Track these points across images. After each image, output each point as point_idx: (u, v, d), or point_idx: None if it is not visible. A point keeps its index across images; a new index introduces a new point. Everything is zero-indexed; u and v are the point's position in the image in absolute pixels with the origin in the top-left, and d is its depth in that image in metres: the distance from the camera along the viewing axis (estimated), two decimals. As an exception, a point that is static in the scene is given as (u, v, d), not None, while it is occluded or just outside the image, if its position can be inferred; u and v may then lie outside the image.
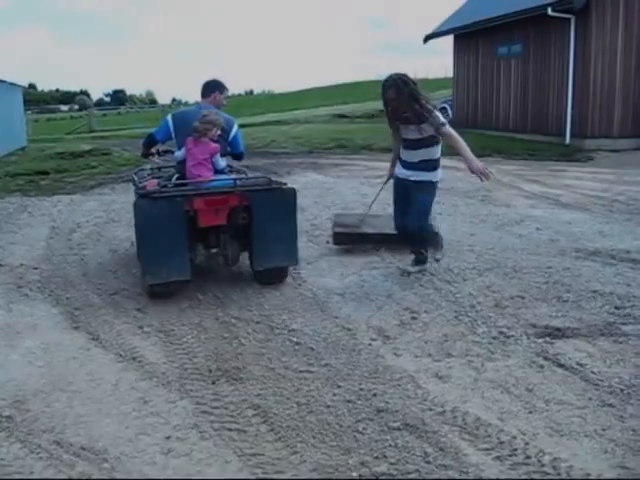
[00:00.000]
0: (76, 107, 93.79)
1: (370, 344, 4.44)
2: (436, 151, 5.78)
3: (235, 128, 5.89)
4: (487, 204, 9.33)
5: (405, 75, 5.59)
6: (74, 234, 8.23)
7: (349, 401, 3.59)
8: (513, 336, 4.46)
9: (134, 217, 5.50)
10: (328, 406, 3.55)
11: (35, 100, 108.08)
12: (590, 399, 3.53)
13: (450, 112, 21.95)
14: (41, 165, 16.24)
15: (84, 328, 4.93)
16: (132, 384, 3.93)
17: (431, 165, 5.80)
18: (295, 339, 4.55)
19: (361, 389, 3.74)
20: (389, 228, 6.41)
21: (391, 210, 6.30)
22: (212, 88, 5.89)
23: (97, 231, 8.36)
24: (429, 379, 3.87)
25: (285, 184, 5.74)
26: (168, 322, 4.94)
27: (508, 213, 8.60)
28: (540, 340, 4.37)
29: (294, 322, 4.88)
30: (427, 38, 21.43)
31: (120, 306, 5.41)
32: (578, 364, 3.95)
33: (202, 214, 5.38)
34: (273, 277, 5.74)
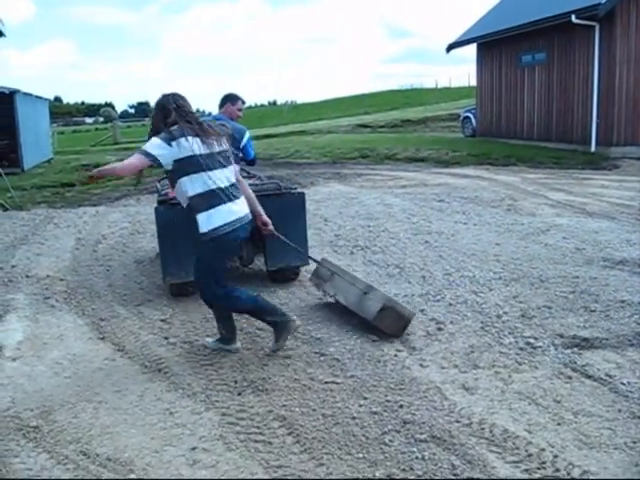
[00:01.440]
0: (101, 119, 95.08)
1: (396, 355, 4.41)
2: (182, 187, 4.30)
3: (246, 137, 6.01)
4: (512, 213, 9.26)
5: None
6: (99, 245, 8.32)
7: (375, 413, 3.57)
8: (540, 347, 4.40)
9: (155, 222, 5.79)
10: (354, 418, 3.52)
11: (61, 113, 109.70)
12: (620, 411, 3.46)
13: (474, 121, 21.86)
14: (67, 177, 16.49)
15: (110, 339, 4.96)
16: (158, 395, 3.94)
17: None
18: (320, 350, 4.53)
19: (387, 401, 3.71)
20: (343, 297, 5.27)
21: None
22: (225, 100, 6.13)
23: (122, 242, 8.44)
24: (456, 390, 3.83)
25: (295, 189, 6.15)
26: (193, 333, 4.96)
27: (533, 222, 8.52)
28: (568, 351, 4.31)
29: (319, 332, 4.87)
30: (450, 47, 21.39)
31: (145, 317, 5.44)
32: (607, 375, 3.88)
33: None
34: (286, 276, 6.12)
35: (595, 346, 4.39)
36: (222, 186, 4.22)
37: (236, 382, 4.08)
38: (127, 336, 5.01)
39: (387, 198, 11.10)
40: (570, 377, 3.91)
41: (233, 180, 4.36)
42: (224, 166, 4.29)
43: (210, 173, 4.20)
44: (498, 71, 20.02)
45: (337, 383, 4.00)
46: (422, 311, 5.28)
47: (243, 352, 4.54)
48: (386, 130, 28.50)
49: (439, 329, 4.86)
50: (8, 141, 18.15)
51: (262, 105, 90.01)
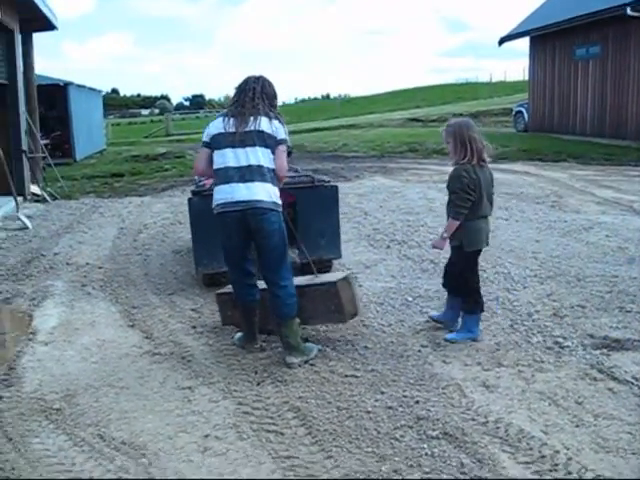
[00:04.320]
0: (156, 111, 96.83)
1: (419, 350, 4.36)
2: None
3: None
4: (556, 210, 9.03)
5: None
6: (140, 235, 8.48)
7: (390, 407, 3.53)
8: (568, 347, 4.29)
9: (188, 212, 5.82)
10: (368, 412, 3.50)
11: (117, 105, 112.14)
12: (644, 415, 3.34)
13: (526, 116, 21.41)
14: (116, 168, 16.86)
15: (139, 326, 5.06)
16: (178, 382, 3.99)
17: None
18: (342, 343, 4.52)
19: (404, 396, 3.67)
20: None
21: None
22: None
23: (163, 232, 8.58)
24: (476, 388, 3.76)
25: (329, 182, 6.04)
26: (221, 322, 5.00)
27: (577, 219, 8.29)
28: (596, 352, 4.18)
29: (345, 325, 4.84)
30: (502, 40, 20.98)
31: (176, 306, 5.52)
32: (634, 378, 3.75)
33: None
34: (318, 269, 5.80)
35: (626, 348, 4.24)
36: (233, 165, 4.14)
37: (256, 372, 4.10)
38: (156, 324, 5.09)
39: (430, 193, 10.97)
40: (595, 378, 3.79)
41: (254, 162, 4.13)
42: (247, 145, 4.14)
43: (226, 150, 4.18)
44: (551, 65, 19.55)
45: (357, 377, 3.97)
46: (451, 308, 5.20)
47: (267, 344, 4.55)
48: (437, 124, 28.09)
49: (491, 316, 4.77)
50: (61, 132, 18.66)
51: (315, 98, 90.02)
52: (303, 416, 3.47)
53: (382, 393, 3.72)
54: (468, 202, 4.33)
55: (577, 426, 3.27)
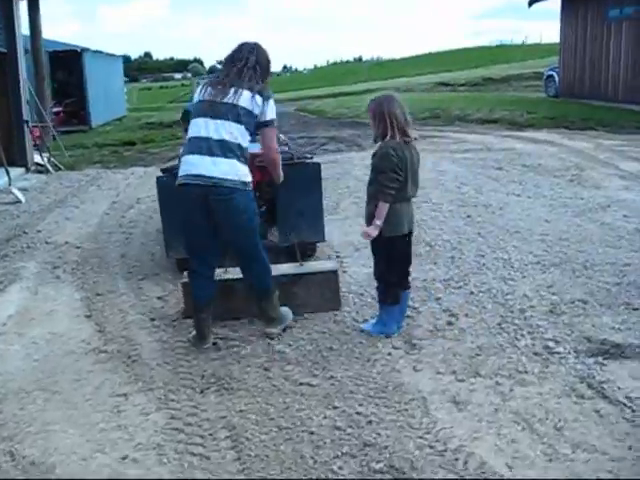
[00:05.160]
0: (189, 75, 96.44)
1: (390, 354, 3.89)
2: None
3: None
4: (574, 185, 8.36)
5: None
6: (130, 211, 8.10)
7: (337, 428, 3.08)
8: (559, 353, 3.77)
9: (157, 193, 5.49)
10: (311, 433, 3.06)
11: (150, 69, 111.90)
12: (630, 448, 2.83)
13: (557, 80, 20.38)
14: (129, 135, 16.50)
15: (95, 318, 4.68)
16: (114, 388, 3.60)
17: None
18: (306, 343, 4.07)
19: (357, 413, 3.22)
20: None
21: None
22: None
23: (154, 208, 8.11)
24: (443, 404, 3.29)
25: (311, 158, 5.61)
26: (184, 314, 4.59)
27: (595, 196, 7.63)
28: (590, 360, 3.66)
29: (314, 321, 4.40)
30: (532, 1, 19.86)
31: (143, 293, 5.14)
32: (627, 398, 3.22)
33: None
34: (301, 253, 5.35)
35: (625, 355, 3.71)
36: (204, 136, 3.81)
37: (203, 377, 3.69)
38: (114, 315, 4.71)
39: (443, 164, 10.36)
40: (582, 396, 3.28)
41: (223, 137, 3.77)
42: (220, 118, 3.80)
43: (199, 120, 3.88)
44: (583, 26, 18.43)
45: (311, 386, 3.53)
46: (437, 300, 4.71)
47: (224, 342, 4.13)
48: (465, 89, 27.14)
49: (449, 323, 4.28)
50: (75, 99, 18.34)
51: (347, 61, 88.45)
52: (236, 436, 3.05)
53: (334, 408, 3.28)
54: (397, 182, 3.85)
55: (550, 460, 2.78)
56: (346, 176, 9.77)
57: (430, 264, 5.54)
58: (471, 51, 49.71)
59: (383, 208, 3.86)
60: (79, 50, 18.53)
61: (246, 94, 3.84)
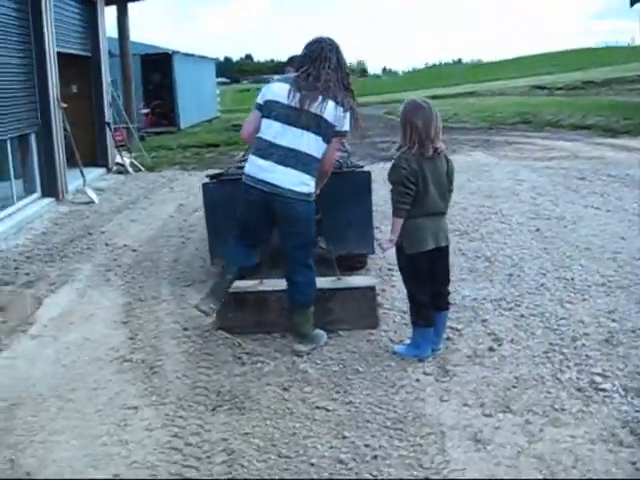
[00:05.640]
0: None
1: (418, 380, 3.62)
2: None
3: None
4: (664, 199, 7.70)
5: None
6: (194, 214, 8.13)
7: (340, 462, 2.86)
8: (605, 390, 3.38)
9: (202, 199, 5.41)
10: (311, 464, 2.85)
11: (250, 70, 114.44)
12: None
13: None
14: (215, 137, 16.78)
15: (131, 324, 4.66)
16: (128, 400, 3.53)
17: None
18: (333, 363, 3.86)
19: (366, 445, 2.98)
20: None
21: None
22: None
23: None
24: (461, 442, 3.00)
25: (361, 167, 5.44)
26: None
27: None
28: (637, 401, 3.26)
29: (348, 339, 4.19)
30: (634, 1, 18.67)
31: (184, 301, 5.10)
32: (673, 451, 2.83)
33: None
34: (351, 265, 5.30)
35: (682, 398, 3.28)
36: (278, 144, 3.77)
37: (219, 393, 3.56)
38: (149, 322, 4.68)
39: (523, 172, 9.87)
40: (621, 443, 2.90)
41: (299, 148, 3.74)
42: (302, 127, 3.75)
43: (278, 124, 3.79)
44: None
45: (327, 410, 3.33)
46: (484, 322, 4.39)
47: (248, 357, 4.00)
48: (563, 93, 26.00)
49: (490, 349, 3.96)
50: (162, 101, 18.84)
51: (446, 64, 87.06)
52: (232, 462, 2.89)
53: (343, 438, 3.06)
54: (407, 197, 3.59)
55: (565, 517, 2.46)
56: (418, 183, 9.45)
57: (485, 281, 5.19)
58: (575, 53, 47.73)
59: (396, 223, 3.65)
60: (170, 53, 19.03)
61: (330, 105, 3.76)
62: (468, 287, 5.06)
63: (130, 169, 11.68)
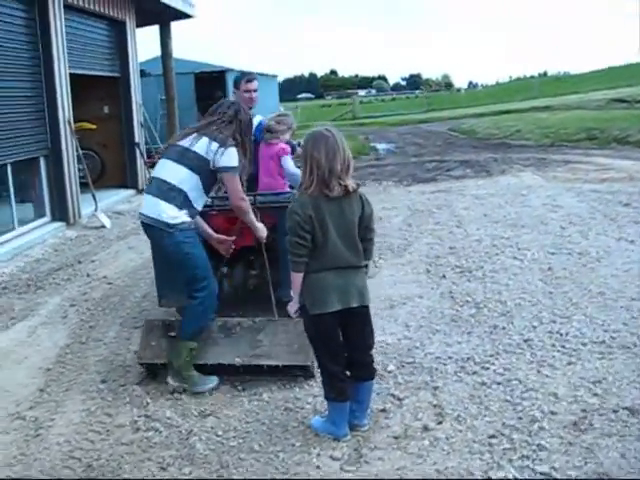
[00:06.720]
0: (373, 91, 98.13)
1: (318, 467, 3.01)
2: None
3: None
4: None
5: None
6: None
7: None
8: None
9: None
10: None
11: (334, 85, 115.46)
12: None
13: None
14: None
15: (52, 372, 4.33)
16: (-16, 476, 3.10)
17: None
18: (233, 436, 3.30)
19: None
20: None
21: None
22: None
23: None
24: None
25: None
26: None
27: None
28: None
29: (268, 405, 3.61)
30: None
31: (125, 346, 4.69)
32: None
33: (226, 234, 4.40)
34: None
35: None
36: (156, 176, 3.96)
37: (89, 467, 3.13)
38: (71, 372, 4.31)
39: (563, 197, 8.94)
40: None
41: (171, 179, 3.82)
42: (173, 160, 3.89)
43: (161, 159, 4.04)
44: None
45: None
46: (435, 389, 3.70)
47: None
48: (644, 105, 24.25)
49: (425, 429, 3.28)
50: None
51: (531, 77, 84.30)
52: None
53: None
54: (301, 248, 3.01)
55: None
56: (444, 209, 8.75)
57: (461, 335, 4.49)
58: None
59: (295, 279, 3.06)
60: (223, 70, 18.94)
61: (204, 140, 3.87)
62: (437, 342, 4.37)
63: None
